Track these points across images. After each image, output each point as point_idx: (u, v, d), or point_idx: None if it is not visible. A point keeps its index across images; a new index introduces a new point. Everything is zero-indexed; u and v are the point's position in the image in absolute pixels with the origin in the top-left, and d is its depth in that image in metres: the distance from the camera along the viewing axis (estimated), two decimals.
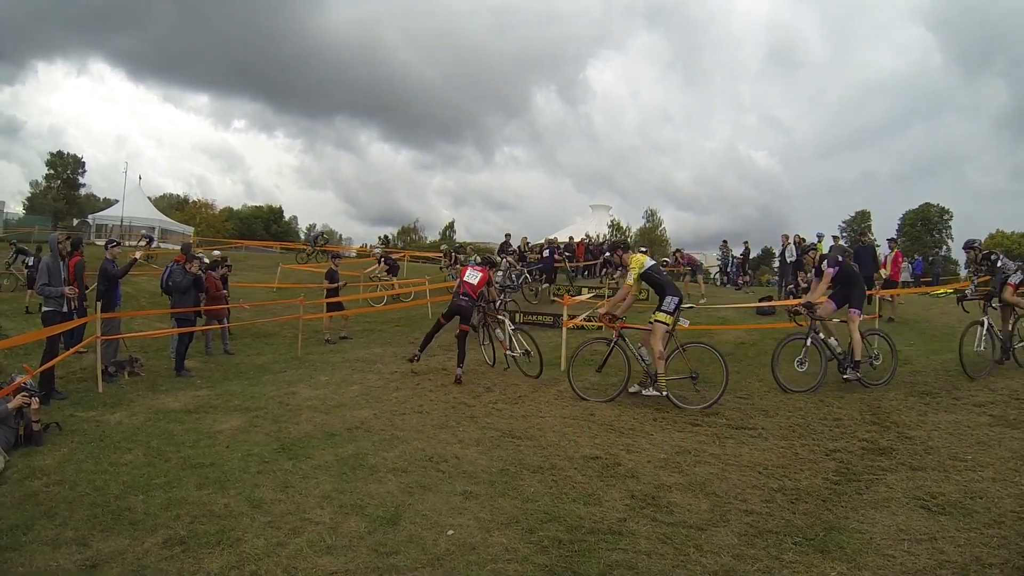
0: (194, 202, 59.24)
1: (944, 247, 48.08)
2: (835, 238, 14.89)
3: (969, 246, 7.86)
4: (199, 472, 4.35)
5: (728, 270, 19.46)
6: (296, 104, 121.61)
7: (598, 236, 27.67)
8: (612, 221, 46.61)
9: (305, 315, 10.94)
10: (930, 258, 27.26)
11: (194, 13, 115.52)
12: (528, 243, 20.07)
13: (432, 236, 61.43)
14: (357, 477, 4.30)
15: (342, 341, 11.09)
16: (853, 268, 7.47)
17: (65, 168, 54.24)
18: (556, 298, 13.91)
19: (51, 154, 54.82)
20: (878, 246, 14.13)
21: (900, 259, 12.94)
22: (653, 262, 6.73)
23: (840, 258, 7.21)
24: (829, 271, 6.93)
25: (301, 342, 10.18)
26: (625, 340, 6.69)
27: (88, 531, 3.43)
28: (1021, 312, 7.00)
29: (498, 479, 4.32)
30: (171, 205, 55.22)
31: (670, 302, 6.32)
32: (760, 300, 13.19)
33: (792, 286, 13.61)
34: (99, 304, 7.40)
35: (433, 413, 6.01)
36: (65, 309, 6.58)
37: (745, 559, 3.16)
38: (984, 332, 6.83)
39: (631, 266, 6.60)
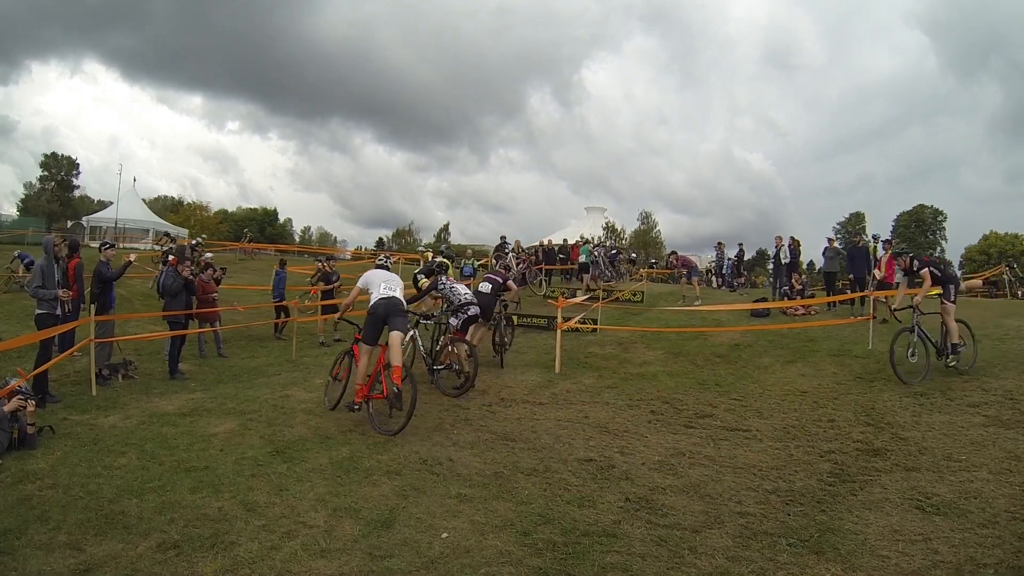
0: (189, 204, 59.08)
1: (938, 248, 48.30)
2: (829, 240, 14.94)
3: None
4: (193, 475, 4.33)
5: (723, 272, 19.51)
6: (290, 105, 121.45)
7: (593, 238, 27.68)
8: (607, 223, 46.59)
9: (299, 317, 10.92)
10: None
11: (189, 13, 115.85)
12: (521, 245, 20.05)
13: (427, 238, 61.38)
14: (351, 480, 4.29)
15: (337, 344, 11.06)
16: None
17: (59, 170, 53.94)
18: (551, 300, 13.92)
19: (45, 155, 54.55)
20: (874, 247, 14.14)
21: (894, 261, 12.99)
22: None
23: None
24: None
25: (295, 345, 10.16)
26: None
27: (81, 535, 3.41)
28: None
29: (492, 482, 4.32)
30: (166, 207, 55.02)
31: None
32: (755, 302, 13.23)
33: (787, 288, 13.64)
34: (93, 306, 7.36)
35: (427, 416, 6.00)
36: (59, 312, 6.55)
37: (739, 561, 3.17)
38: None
39: None
